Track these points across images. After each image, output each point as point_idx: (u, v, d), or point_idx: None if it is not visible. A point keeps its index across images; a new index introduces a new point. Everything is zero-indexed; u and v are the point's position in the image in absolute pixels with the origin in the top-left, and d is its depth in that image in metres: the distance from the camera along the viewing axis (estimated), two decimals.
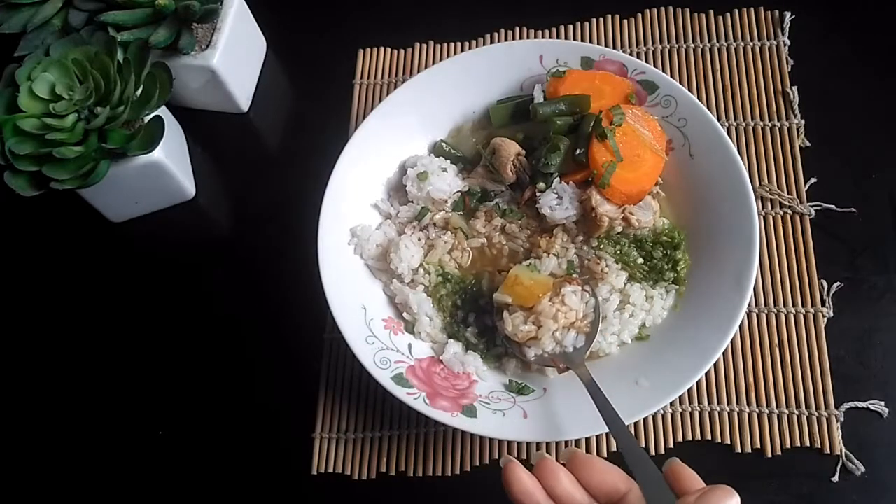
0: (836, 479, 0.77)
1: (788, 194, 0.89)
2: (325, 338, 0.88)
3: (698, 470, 0.77)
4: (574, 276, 0.81)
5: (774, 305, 0.84)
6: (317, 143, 0.96)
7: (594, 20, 1.02)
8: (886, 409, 0.79)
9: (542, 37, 1.02)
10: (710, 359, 0.73)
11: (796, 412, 0.80)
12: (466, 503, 0.81)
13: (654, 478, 0.58)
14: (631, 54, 0.98)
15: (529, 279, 0.78)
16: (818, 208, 0.88)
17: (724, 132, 0.82)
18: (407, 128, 0.90)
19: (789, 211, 0.88)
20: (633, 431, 0.81)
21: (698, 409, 0.81)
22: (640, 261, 0.82)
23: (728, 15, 1.00)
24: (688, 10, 1.01)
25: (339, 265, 0.83)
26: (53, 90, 0.83)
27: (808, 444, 0.78)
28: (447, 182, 0.87)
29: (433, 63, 1.00)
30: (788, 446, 0.78)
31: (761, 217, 0.87)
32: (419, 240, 0.85)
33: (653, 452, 0.80)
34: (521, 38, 1.02)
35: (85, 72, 0.84)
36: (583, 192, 0.82)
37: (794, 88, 0.94)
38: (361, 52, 1.05)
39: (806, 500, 0.77)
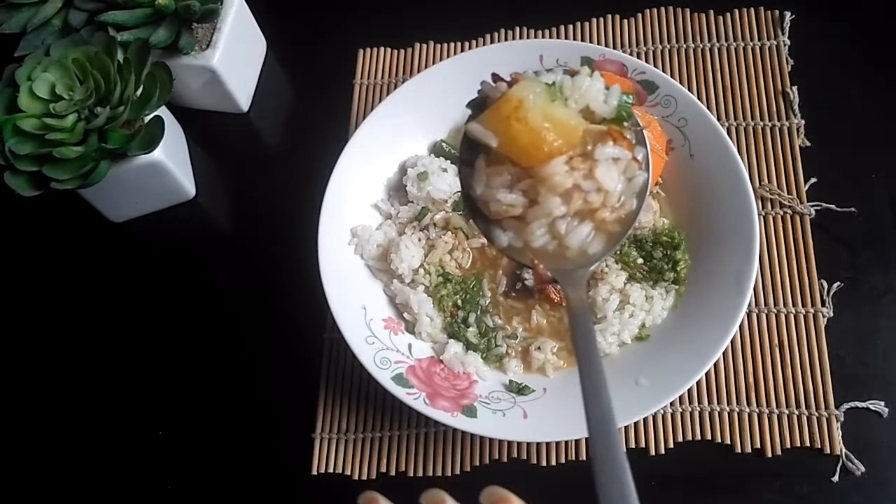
0: (836, 479, 0.76)
1: (788, 194, 0.89)
2: (325, 338, 0.88)
3: (699, 470, 0.78)
4: (629, 126, 0.50)
5: (774, 305, 0.84)
6: (317, 143, 0.96)
7: (594, 20, 1.02)
8: (886, 409, 0.79)
9: (542, 36, 1.01)
10: (710, 359, 0.73)
11: (796, 412, 0.79)
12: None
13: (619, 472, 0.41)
14: (631, 54, 0.97)
15: (543, 112, 0.46)
16: (818, 208, 0.88)
17: (724, 132, 0.82)
18: (407, 128, 0.90)
19: (789, 211, 0.88)
20: (634, 432, 0.80)
21: (698, 409, 0.81)
22: (640, 261, 0.82)
23: (728, 15, 1.00)
24: (688, 10, 1.01)
25: (340, 265, 0.83)
26: (53, 90, 0.83)
27: (808, 444, 0.78)
28: (447, 182, 0.87)
29: (433, 63, 1.00)
30: (788, 446, 0.78)
31: (761, 217, 0.87)
32: (419, 240, 0.85)
33: (653, 453, 0.79)
34: (521, 37, 1.02)
35: (85, 72, 0.84)
36: None
37: (794, 88, 0.94)
38: (361, 51, 1.05)
39: (806, 501, 0.76)
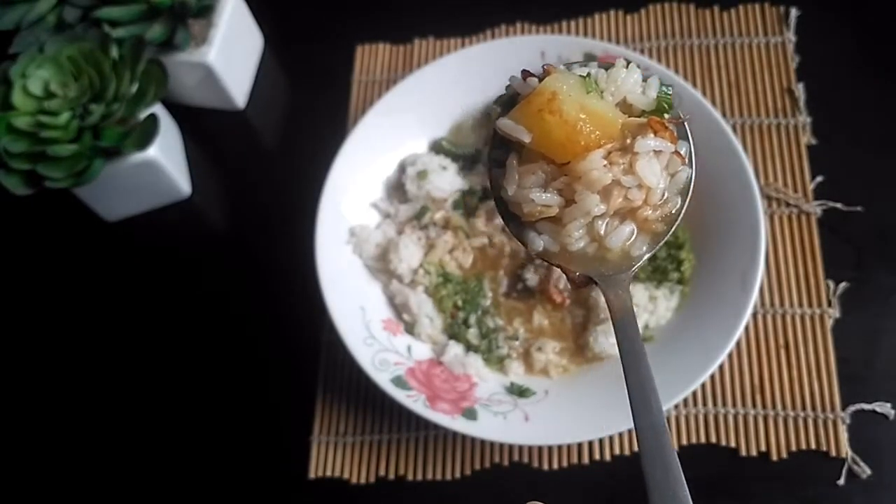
0: (842, 482, 0.76)
1: (794, 193, 0.88)
2: (322, 339, 0.87)
3: (704, 474, 0.77)
4: (670, 118, 0.47)
5: (780, 306, 0.83)
6: (314, 140, 0.95)
7: (597, 16, 1.01)
8: (893, 412, 0.78)
9: (544, 32, 1.00)
10: (716, 360, 0.72)
11: (802, 414, 0.78)
12: None
13: (674, 486, 0.40)
14: (634, 50, 0.96)
15: (579, 104, 0.44)
16: (825, 207, 0.87)
17: (730, 129, 0.81)
18: (406, 125, 0.88)
19: (795, 210, 0.87)
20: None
21: (703, 411, 0.80)
22: None
23: (733, 11, 0.98)
24: (692, 6, 1.00)
25: (337, 265, 0.82)
26: (47, 87, 0.82)
27: (814, 446, 0.77)
28: (447, 181, 0.86)
29: (433, 59, 0.99)
30: (794, 449, 0.77)
31: (767, 216, 0.86)
32: (419, 239, 0.84)
33: None
34: (522, 33, 1.01)
35: (79, 69, 0.83)
36: None
37: (801, 85, 0.93)
38: (360, 48, 1.03)
39: None
